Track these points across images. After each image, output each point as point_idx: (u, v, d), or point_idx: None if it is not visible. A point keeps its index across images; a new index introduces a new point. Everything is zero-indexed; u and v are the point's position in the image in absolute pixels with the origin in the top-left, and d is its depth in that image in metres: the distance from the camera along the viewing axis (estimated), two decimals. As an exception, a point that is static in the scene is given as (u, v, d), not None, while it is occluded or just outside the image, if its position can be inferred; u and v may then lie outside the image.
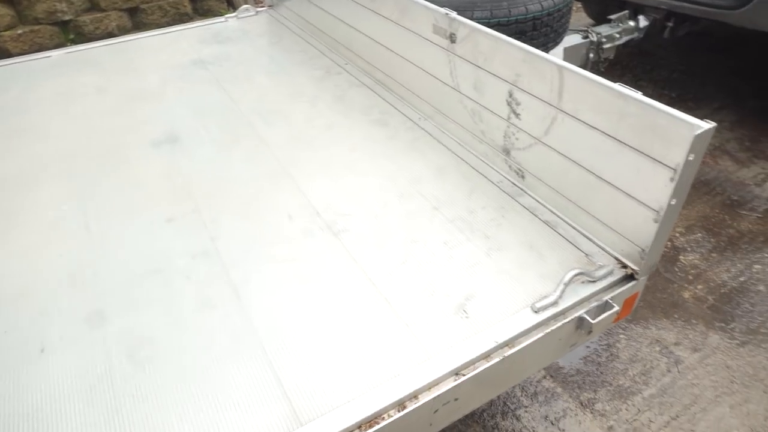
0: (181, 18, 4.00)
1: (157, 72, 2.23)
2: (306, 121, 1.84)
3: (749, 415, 1.57)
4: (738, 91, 3.13)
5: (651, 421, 1.57)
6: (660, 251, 1.16)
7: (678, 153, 0.99)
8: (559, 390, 1.66)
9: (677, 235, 2.22)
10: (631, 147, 1.09)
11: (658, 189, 1.06)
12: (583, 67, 2.53)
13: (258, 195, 1.52)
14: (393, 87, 1.94)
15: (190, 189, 1.55)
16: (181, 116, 1.91)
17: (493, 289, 1.18)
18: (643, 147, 1.06)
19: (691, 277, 2.01)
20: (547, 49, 1.86)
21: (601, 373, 1.70)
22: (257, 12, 2.74)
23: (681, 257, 2.11)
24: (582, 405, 1.62)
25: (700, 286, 1.97)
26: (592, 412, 1.60)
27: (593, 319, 1.11)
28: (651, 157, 1.06)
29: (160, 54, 2.40)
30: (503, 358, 1.05)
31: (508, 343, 1.08)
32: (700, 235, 2.20)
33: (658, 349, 1.76)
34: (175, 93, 2.06)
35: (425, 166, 1.57)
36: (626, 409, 1.60)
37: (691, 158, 0.97)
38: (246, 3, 2.76)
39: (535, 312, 1.12)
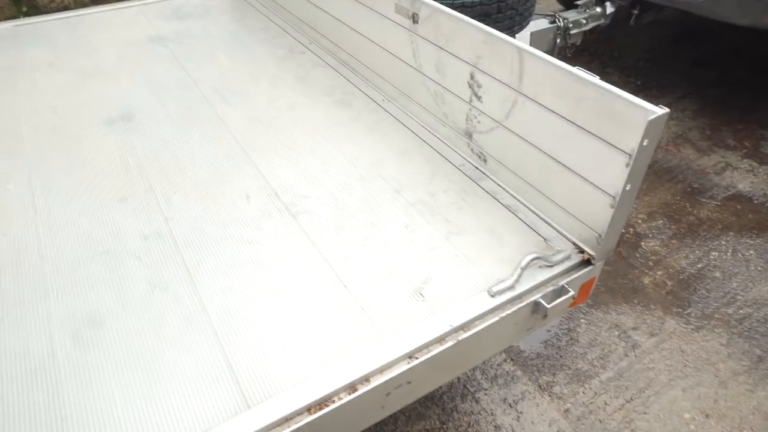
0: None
1: (113, 48, 2.14)
2: (267, 101, 1.79)
3: (700, 398, 1.61)
4: (700, 80, 3.18)
5: (606, 404, 1.59)
6: (616, 237, 1.16)
7: (633, 138, 0.99)
8: (518, 373, 1.68)
9: (639, 221, 2.26)
10: (588, 132, 1.08)
11: (614, 174, 1.06)
12: (550, 52, 2.54)
13: (215, 176, 1.47)
14: (357, 67, 1.90)
15: (145, 169, 1.50)
16: (137, 94, 1.84)
17: (451, 273, 1.17)
18: (600, 132, 1.06)
19: (651, 263, 2.05)
20: (512, 33, 1.85)
21: (561, 356, 1.72)
22: (221, -12, 2.64)
23: (642, 243, 2.15)
24: (540, 388, 1.64)
25: (659, 272, 2.01)
26: (550, 395, 1.62)
27: (548, 304, 1.11)
28: (607, 142, 1.05)
29: (118, 29, 2.30)
30: (457, 342, 1.04)
31: (463, 327, 1.07)
32: (661, 221, 2.24)
33: (616, 333, 1.79)
34: (131, 70, 1.98)
35: (387, 148, 1.55)
36: (583, 392, 1.62)
37: (645, 143, 0.97)
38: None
39: (492, 296, 1.11)
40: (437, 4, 1.37)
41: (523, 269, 1.13)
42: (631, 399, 1.61)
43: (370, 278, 1.16)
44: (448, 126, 1.51)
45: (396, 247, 1.23)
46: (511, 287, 1.12)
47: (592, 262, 1.19)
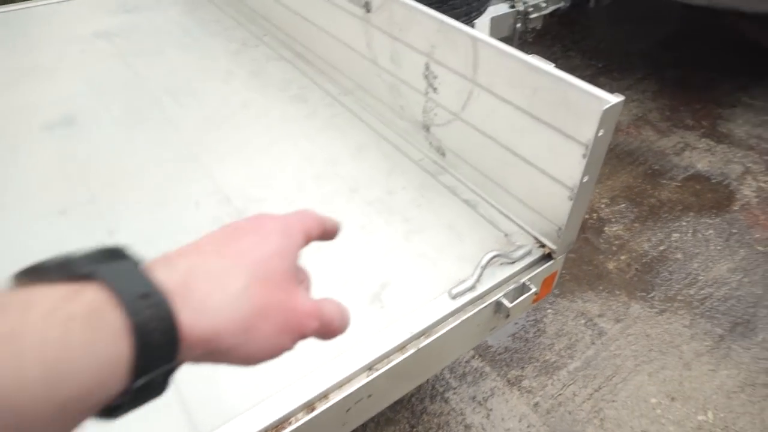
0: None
1: (53, 45, 2.02)
2: (219, 99, 1.71)
3: (665, 381, 1.63)
4: (659, 60, 3.21)
5: (575, 394, 1.60)
6: (576, 229, 1.14)
7: (588, 128, 0.96)
8: (487, 369, 1.66)
9: (602, 206, 2.26)
10: (545, 122, 1.05)
11: (572, 166, 1.03)
12: (511, 37, 2.50)
13: (163, 182, 1.39)
14: (313, 60, 1.83)
15: (87, 177, 1.41)
16: (79, 95, 1.73)
17: (411, 275, 1.13)
18: (557, 122, 1.03)
19: (615, 248, 2.05)
20: (471, 19, 1.80)
21: (529, 349, 1.71)
22: (168, -22, 2.52)
23: (606, 228, 2.15)
24: (509, 383, 1.63)
25: (623, 257, 2.02)
26: (519, 390, 1.61)
27: (510, 303, 1.09)
28: (564, 133, 1.02)
29: (58, 25, 2.17)
30: (418, 349, 1.01)
31: (424, 333, 1.04)
32: (623, 205, 2.25)
33: (583, 321, 1.79)
34: (73, 69, 1.87)
35: (344, 145, 1.49)
36: (552, 384, 1.62)
37: (600, 134, 0.94)
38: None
39: (452, 298, 1.08)
40: (388, -7, 1.32)
41: (484, 268, 1.10)
42: (599, 388, 1.61)
43: (327, 286, 1.11)
44: (405, 119, 1.47)
45: (353, 251, 1.19)
46: (472, 287, 1.09)
47: (553, 256, 1.16)
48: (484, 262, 1.10)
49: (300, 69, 1.83)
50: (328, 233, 0.51)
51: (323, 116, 1.61)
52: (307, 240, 0.46)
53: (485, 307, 1.08)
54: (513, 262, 1.15)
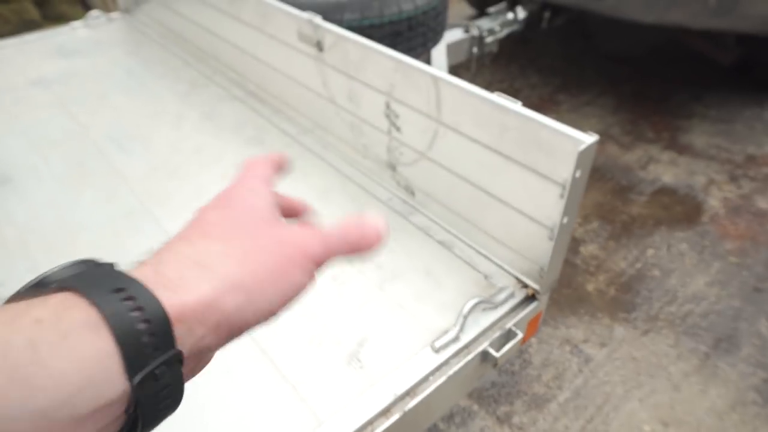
0: (27, 26, 3.50)
1: (-15, 98, 1.88)
2: (170, 145, 1.61)
3: (657, 406, 1.58)
4: (615, 75, 3.26)
5: (567, 427, 1.53)
6: (559, 268, 1.08)
7: (564, 169, 0.90)
8: (475, 407, 1.58)
9: (576, 225, 2.24)
10: (516, 162, 1.00)
11: (549, 206, 0.97)
12: (468, 62, 2.49)
13: (113, 241, 1.28)
14: (267, 99, 1.75)
15: (27, 242, 1.28)
16: (15, 150, 1.60)
17: (389, 329, 1.05)
18: (529, 162, 0.97)
19: (592, 269, 2.02)
20: (427, 49, 1.76)
21: (516, 382, 1.65)
22: (110, 19, 2.42)
23: (581, 248, 2.12)
24: (499, 420, 1.55)
25: (601, 277, 1.99)
26: (509, 427, 1.54)
27: (497, 352, 1.01)
28: (538, 173, 0.97)
29: (-9, 75, 2.03)
30: (404, 413, 0.93)
31: (409, 393, 0.96)
32: (596, 223, 2.23)
33: (568, 349, 1.74)
34: (7, 122, 1.74)
35: (307, 188, 1.41)
36: (543, 419, 1.55)
37: (578, 175, 0.89)
38: (94, 8, 2.43)
39: (436, 351, 1.00)
40: (342, 31, 1.25)
41: (466, 317, 1.03)
42: (591, 419, 1.55)
43: (300, 347, 1.02)
44: (370, 158, 1.40)
45: (325, 305, 1.10)
46: (456, 338, 1.02)
47: (537, 297, 1.10)
48: (466, 310, 1.03)
49: (254, 109, 1.75)
50: (281, 167, 0.50)
51: (283, 158, 1.53)
52: (269, 184, 0.45)
53: (471, 359, 1.01)
54: (496, 307, 1.08)
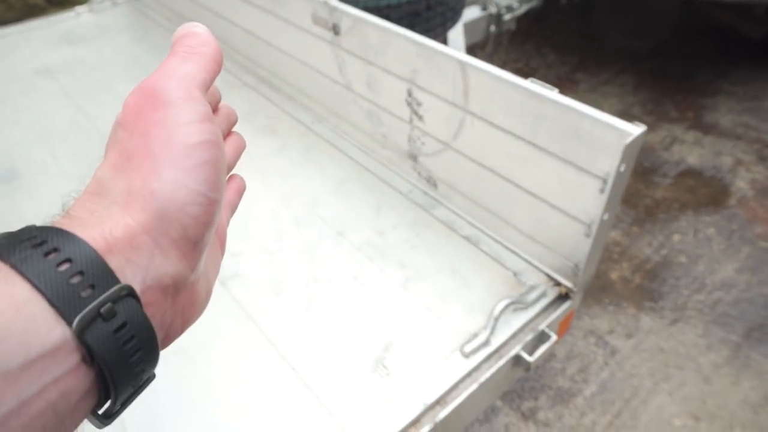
0: (32, 11, 3.43)
1: (-11, 88, 1.82)
2: (180, 136, 1.55)
3: (687, 399, 1.53)
4: (634, 52, 3.13)
5: (595, 423, 1.49)
6: (595, 265, 1.02)
7: (606, 162, 0.84)
8: (499, 403, 1.54)
9: (596, 210, 2.16)
10: (551, 153, 0.93)
11: (587, 201, 0.91)
12: (485, 41, 2.39)
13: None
14: (279, 86, 1.68)
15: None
16: (22, 144, 1.55)
17: (415, 332, 1.00)
18: (566, 154, 0.91)
19: (616, 256, 1.96)
20: (445, 30, 1.68)
21: (540, 376, 1.60)
22: (115, 3, 2.34)
23: (603, 234, 2.05)
24: (524, 416, 1.51)
25: (625, 265, 1.92)
26: (534, 423, 1.50)
27: (531, 356, 0.96)
28: (576, 165, 0.90)
29: (-6, 64, 1.98)
30: (435, 424, 0.88)
31: (439, 402, 0.91)
32: (619, 208, 2.16)
33: (593, 340, 1.69)
34: (12, 114, 1.69)
35: (324, 180, 1.35)
36: (569, 414, 1.51)
37: (623, 169, 0.82)
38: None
39: (466, 357, 0.95)
40: (360, 13, 1.18)
41: (497, 319, 0.98)
42: (619, 413, 1.50)
43: (322, 353, 0.97)
44: (389, 148, 1.33)
45: (347, 307, 1.05)
46: (486, 342, 0.97)
47: (571, 295, 1.05)
48: (497, 312, 0.98)
49: (266, 96, 1.68)
50: (217, 66, 0.39)
51: (297, 148, 1.47)
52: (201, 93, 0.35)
53: (504, 363, 0.96)
54: (527, 307, 1.03)
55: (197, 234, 0.32)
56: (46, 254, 0.27)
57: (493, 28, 2.32)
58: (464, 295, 1.06)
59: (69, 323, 0.26)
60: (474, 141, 1.08)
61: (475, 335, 0.97)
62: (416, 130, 1.21)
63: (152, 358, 0.31)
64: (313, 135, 1.51)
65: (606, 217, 0.89)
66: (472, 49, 2.33)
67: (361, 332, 1.00)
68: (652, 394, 1.55)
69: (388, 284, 1.09)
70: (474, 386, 0.92)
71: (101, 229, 0.29)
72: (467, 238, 1.17)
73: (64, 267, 0.27)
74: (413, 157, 1.27)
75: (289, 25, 1.45)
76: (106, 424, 0.31)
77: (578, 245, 0.98)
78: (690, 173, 2.30)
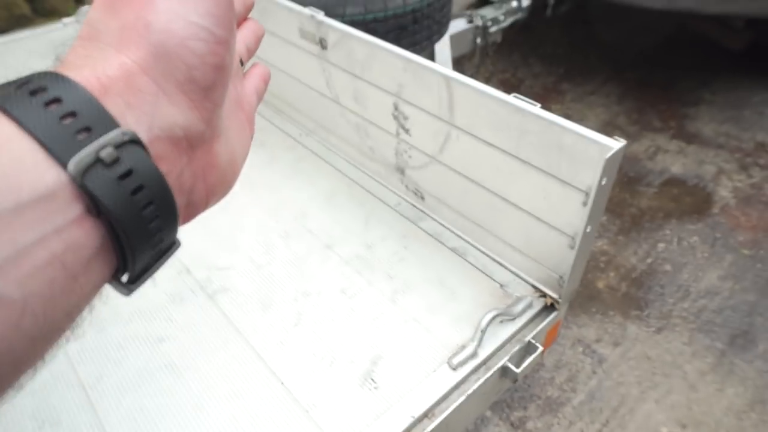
0: (17, 21, 3.41)
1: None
2: (168, 149, 1.55)
3: (674, 407, 1.55)
4: (618, 62, 3.18)
5: (583, 431, 1.50)
6: (580, 277, 1.04)
7: (588, 175, 0.86)
8: (488, 414, 1.55)
9: (583, 219, 2.19)
10: (536, 167, 0.95)
11: (571, 213, 0.93)
12: (472, 52, 2.42)
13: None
14: (267, 99, 1.69)
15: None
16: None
17: (403, 345, 1.01)
18: (550, 168, 0.92)
19: (602, 265, 1.98)
20: (432, 43, 1.70)
21: (529, 386, 1.61)
22: (102, 17, 2.34)
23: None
24: (513, 426, 1.52)
25: (612, 274, 1.95)
26: (524, 433, 1.51)
27: (518, 368, 0.97)
28: (559, 179, 0.92)
29: (-16, 76, 1.96)
30: (423, 437, 0.89)
31: (428, 414, 0.92)
32: (605, 218, 2.18)
33: (581, 349, 1.70)
34: None
35: (312, 193, 1.36)
36: (558, 424, 1.52)
37: (604, 182, 0.84)
38: (88, 2, 2.35)
39: (454, 369, 0.96)
40: (346, 28, 1.19)
41: (484, 331, 0.99)
42: (607, 422, 1.52)
43: (311, 367, 0.98)
44: (377, 161, 1.35)
45: (336, 321, 1.06)
46: (474, 354, 0.97)
47: (556, 306, 1.06)
48: (484, 324, 0.99)
49: (255, 109, 1.69)
50: None
51: (285, 161, 1.48)
52: None
53: (491, 375, 0.97)
54: (514, 318, 1.04)
55: (206, 77, 0.29)
56: (32, 93, 0.24)
57: (479, 40, 2.35)
58: (452, 307, 1.07)
59: (63, 166, 0.23)
60: (460, 154, 1.09)
61: (463, 347, 0.98)
62: (403, 144, 1.22)
63: (170, 218, 0.28)
64: (301, 148, 1.52)
65: (589, 229, 0.91)
66: (459, 61, 2.36)
67: (350, 346, 1.01)
68: (640, 402, 1.56)
69: (377, 297, 1.10)
70: (462, 398, 0.93)
71: (93, 70, 0.26)
72: (454, 250, 1.19)
73: (53, 107, 0.24)
74: (401, 170, 1.28)
75: (276, 39, 1.46)
76: (131, 291, 0.29)
77: (563, 257, 0.99)
78: (674, 182, 2.34)
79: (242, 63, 0.39)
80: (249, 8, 0.41)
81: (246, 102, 0.38)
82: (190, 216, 0.32)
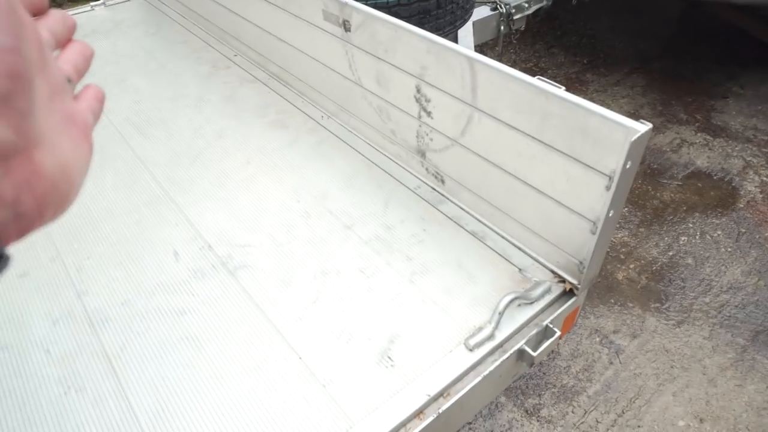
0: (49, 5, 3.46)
1: None
2: (191, 129, 1.57)
3: (692, 400, 1.53)
4: (645, 53, 3.13)
5: (598, 421, 1.49)
6: (600, 262, 1.03)
7: (613, 159, 0.85)
8: (503, 399, 1.55)
9: (603, 211, 2.17)
10: (558, 150, 0.94)
11: (593, 198, 0.92)
12: (495, 39, 2.40)
13: (135, 230, 1.26)
14: (290, 81, 1.70)
15: (49, 231, 1.27)
16: (37, 136, 1.58)
17: (420, 325, 1.01)
18: (573, 151, 0.91)
19: (623, 257, 1.96)
20: (455, 28, 1.69)
21: (544, 374, 1.61)
22: (129, -1, 2.37)
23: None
24: (527, 413, 1.52)
25: (632, 265, 1.92)
26: (538, 420, 1.50)
27: (534, 351, 0.97)
28: (582, 163, 0.91)
29: (10, 58, 2.00)
30: (438, 415, 0.89)
31: (443, 393, 0.92)
32: (626, 209, 2.16)
33: (598, 339, 1.69)
34: (28, 106, 1.71)
35: (333, 174, 1.37)
36: (572, 412, 1.51)
37: (628, 166, 0.83)
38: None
39: (470, 350, 0.96)
40: (370, 10, 1.19)
41: (502, 314, 0.99)
42: (623, 412, 1.51)
43: (329, 344, 0.99)
44: (397, 144, 1.35)
45: (354, 299, 1.07)
46: (491, 336, 0.98)
47: (575, 292, 1.05)
48: (501, 307, 0.99)
49: (277, 91, 1.70)
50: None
51: (307, 143, 1.49)
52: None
53: (507, 358, 0.97)
54: (532, 303, 1.04)
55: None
56: None
57: (503, 27, 2.32)
58: (470, 289, 1.07)
59: None
60: (481, 137, 1.09)
61: (480, 329, 0.98)
62: (424, 126, 1.22)
63: None
64: (323, 130, 1.52)
65: (611, 214, 0.90)
66: (481, 49, 2.34)
67: (367, 324, 1.02)
68: (657, 395, 1.55)
69: (395, 277, 1.11)
70: (477, 379, 0.93)
71: None
72: (473, 234, 1.18)
73: None
74: (421, 153, 1.28)
75: (299, 21, 1.46)
76: None
77: (584, 242, 0.99)
78: (698, 175, 2.30)
79: (70, 81, 0.39)
80: (71, 29, 0.42)
81: (80, 119, 0.38)
82: (24, 229, 0.31)
